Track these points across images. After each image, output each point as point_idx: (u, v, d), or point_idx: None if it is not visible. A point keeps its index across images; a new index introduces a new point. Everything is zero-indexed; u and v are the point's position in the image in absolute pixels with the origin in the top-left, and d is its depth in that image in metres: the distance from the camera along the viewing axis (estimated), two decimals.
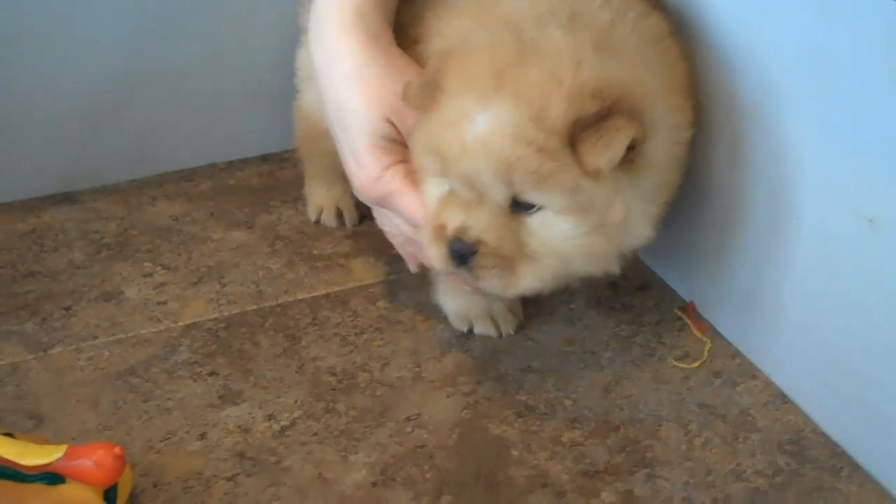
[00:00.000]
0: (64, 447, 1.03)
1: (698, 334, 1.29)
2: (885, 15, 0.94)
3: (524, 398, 1.21)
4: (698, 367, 1.25)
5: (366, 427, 1.17)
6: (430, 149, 1.09)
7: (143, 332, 1.31)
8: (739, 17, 1.14)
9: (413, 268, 1.27)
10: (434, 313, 1.33)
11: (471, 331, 1.30)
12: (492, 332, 1.30)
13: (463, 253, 1.07)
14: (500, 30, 1.10)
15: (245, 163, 1.64)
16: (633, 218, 1.09)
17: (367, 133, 1.15)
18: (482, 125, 1.04)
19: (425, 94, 1.10)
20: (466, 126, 1.05)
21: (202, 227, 1.50)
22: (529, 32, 1.08)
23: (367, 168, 1.16)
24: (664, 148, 1.10)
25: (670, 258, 1.37)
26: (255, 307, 1.35)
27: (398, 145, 1.16)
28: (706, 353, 1.26)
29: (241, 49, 1.59)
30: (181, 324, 1.32)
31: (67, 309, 1.34)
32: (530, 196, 1.06)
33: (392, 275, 1.40)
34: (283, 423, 1.17)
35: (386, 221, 1.23)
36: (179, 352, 1.28)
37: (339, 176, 1.50)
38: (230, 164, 1.63)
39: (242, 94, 1.62)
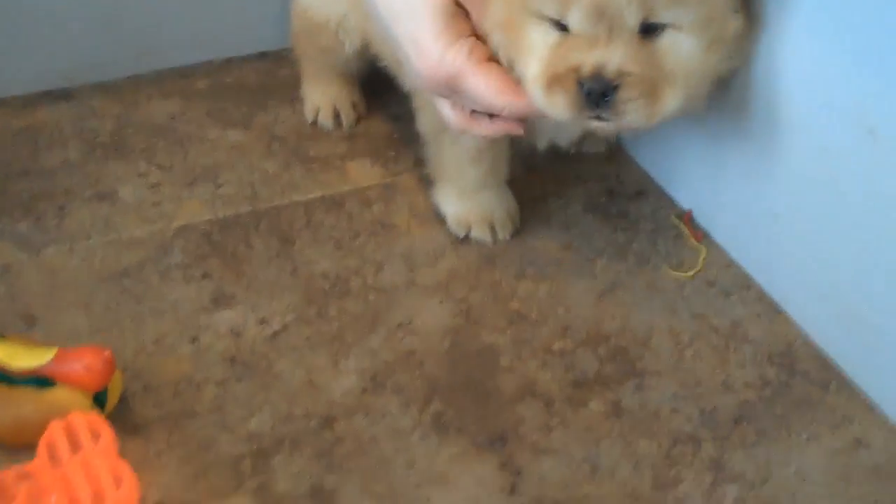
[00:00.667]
0: (54, 350, 1.03)
1: (694, 243, 1.28)
2: None
3: (517, 306, 1.21)
4: (693, 276, 1.24)
5: (357, 333, 1.17)
6: None
7: (136, 233, 1.30)
8: None
9: (518, 128, 1.16)
10: (429, 218, 1.32)
11: (467, 237, 1.30)
12: (488, 238, 1.29)
13: (605, 91, 1.03)
14: None
15: (243, 60, 1.61)
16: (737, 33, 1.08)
17: (424, 15, 1.09)
18: None
19: None
20: None
21: (198, 126, 1.48)
22: None
23: (427, 52, 1.10)
24: None
25: (668, 165, 1.35)
26: (249, 209, 1.34)
27: (459, 19, 1.10)
28: (701, 262, 1.25)
29: None
30: (175, 225, 1.31)
31: (61, 208, 1.33)
32: (662, 14, 1.03)
33: (388, 178, 1.39)
34: (274, 327, 1.18)
35: (455, 111, 1.16)
36: (173, 253, 1.27)
37: (337, 75, 1.49)
38: (228, 61, 1.61)
39: None
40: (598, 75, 1.03)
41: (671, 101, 1.05)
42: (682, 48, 1.05)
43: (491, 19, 1.10)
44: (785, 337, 1.16)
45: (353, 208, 1.34)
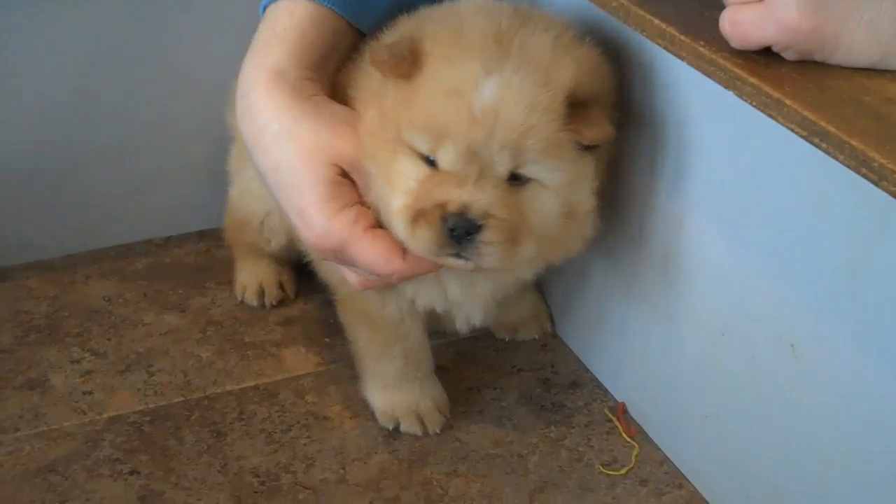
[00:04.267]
0: None
1: (627, 438, 1.28)
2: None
3: None
4: (625, 473, 1.24)
5: None
6: (423, 123, 1.04)
7: (66, 424, 1.29)
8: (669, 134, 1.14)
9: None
10: (362, 409, 1.31)
11: (397, 429, 1.29)
12: (418, 430, 1.28)
13: (469, 230, 1.03)
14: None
15: (182, 239, 1.62)
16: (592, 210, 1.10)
17: (309, 186, 1.09)
18: (493, 93, 1.02)
19: (399, 58, 1.05)
20: (474, 94, 1.02)
21: (134, 309, 1.48)
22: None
23: (313, 222, 1.10)
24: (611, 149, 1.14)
25: (603, 355, 1.36)
26: (181, 399, 1.33)
27: (345, 188, 1.10)
28: (634, 459, 1.25)
29: (181, 123, 1.57)
30: (105, 416, 1.30)
31: None
32: (530, 168, 1.04)
33: (323, 366, 1.39)
34: None
35: (354, 274, 1.16)
36: (102, 447, 1.26)
37: (264, 256, 1.48)
38: (167, 240, 1.61)
39: (182, 168, 1.60)
40: (463, 214, 1.03)
41: (529, 249, 1.07)
42: (544, 204, 1.06)
43: (363, 147, 1.09)
44: None
45: (287, 398, 1.33)
